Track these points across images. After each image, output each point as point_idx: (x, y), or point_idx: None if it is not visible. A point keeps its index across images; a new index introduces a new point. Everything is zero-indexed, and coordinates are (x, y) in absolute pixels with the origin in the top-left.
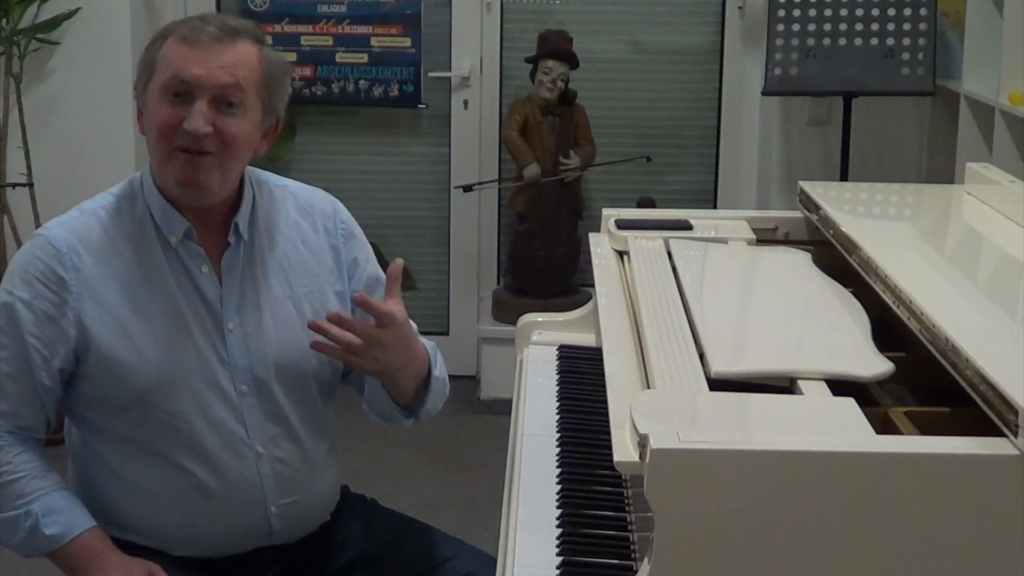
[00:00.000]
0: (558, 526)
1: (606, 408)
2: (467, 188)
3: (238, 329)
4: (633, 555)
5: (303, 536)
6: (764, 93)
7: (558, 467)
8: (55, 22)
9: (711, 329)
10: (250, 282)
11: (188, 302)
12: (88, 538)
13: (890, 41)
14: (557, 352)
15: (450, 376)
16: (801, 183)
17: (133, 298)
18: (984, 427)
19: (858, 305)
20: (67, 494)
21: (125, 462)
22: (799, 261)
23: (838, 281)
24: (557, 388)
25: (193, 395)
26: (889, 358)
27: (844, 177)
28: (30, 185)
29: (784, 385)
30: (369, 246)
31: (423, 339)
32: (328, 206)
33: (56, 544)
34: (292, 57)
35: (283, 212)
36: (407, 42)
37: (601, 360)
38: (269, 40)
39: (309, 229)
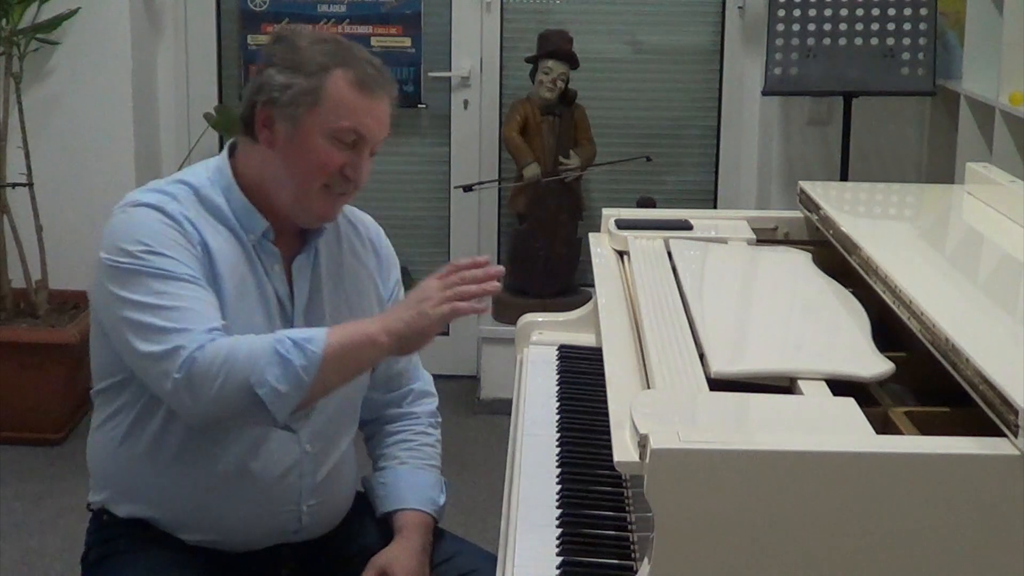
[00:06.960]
0: (558, 526)
1: (606, 408)
2: (467, 188)
3: None
4: (633, 555)
5: (323, 534)
6: (764, 93)
7: (558, 467)
8: (55, 22)
9: (711, 329)
10: (315, 286)
11: (273, 295)
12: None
13: (890, 41)
14: (557, 352)
15: (450, 376)
16: (801, 183)
17: (235, 279)
18: (984, 427)
19: (858, 305)
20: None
21: (178, 429)
22: (799, 261)
23: (838, 281)
24: (557, 388)
25: None
26: (889, 358)
27: (844, 177)
28: (30, 185)
29: (784, 385)
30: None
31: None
32: (372, 225)
33: (321, 344)
34: None
35: (339, 223)
36: (407, 42)
37: (601, 360)
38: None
39: (358, 243)
